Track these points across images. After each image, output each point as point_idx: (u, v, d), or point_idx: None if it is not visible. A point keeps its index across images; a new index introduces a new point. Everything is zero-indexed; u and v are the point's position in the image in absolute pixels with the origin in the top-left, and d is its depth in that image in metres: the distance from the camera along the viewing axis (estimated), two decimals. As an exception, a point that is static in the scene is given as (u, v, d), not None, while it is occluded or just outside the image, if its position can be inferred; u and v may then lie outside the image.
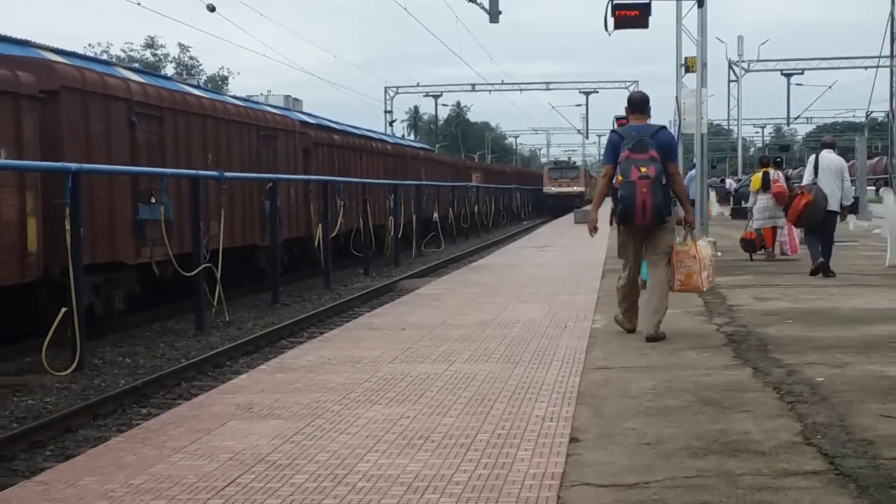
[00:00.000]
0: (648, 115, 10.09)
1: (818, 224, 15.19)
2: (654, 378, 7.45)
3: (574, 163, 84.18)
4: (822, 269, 15.01)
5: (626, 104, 10.33)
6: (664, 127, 10.47)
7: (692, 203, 14.68)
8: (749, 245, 18.88)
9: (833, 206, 15.08)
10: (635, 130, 9.64)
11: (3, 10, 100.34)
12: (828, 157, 15.70)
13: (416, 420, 6.27)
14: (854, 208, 30.86)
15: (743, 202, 28.75)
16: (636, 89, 15.85)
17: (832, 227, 15.52)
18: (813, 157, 16.40)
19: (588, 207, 43.64)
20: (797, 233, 18.48)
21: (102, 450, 6.03)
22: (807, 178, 15.66)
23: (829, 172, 15.23)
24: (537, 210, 71.28)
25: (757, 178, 19.26)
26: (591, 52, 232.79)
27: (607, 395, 6.92)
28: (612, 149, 9.71)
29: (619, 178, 9.38)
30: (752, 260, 18.60)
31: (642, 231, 9.59)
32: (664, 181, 9.38)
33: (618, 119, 51.65)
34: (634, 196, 9.20)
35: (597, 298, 12.90)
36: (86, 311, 11.93)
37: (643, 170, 9.21)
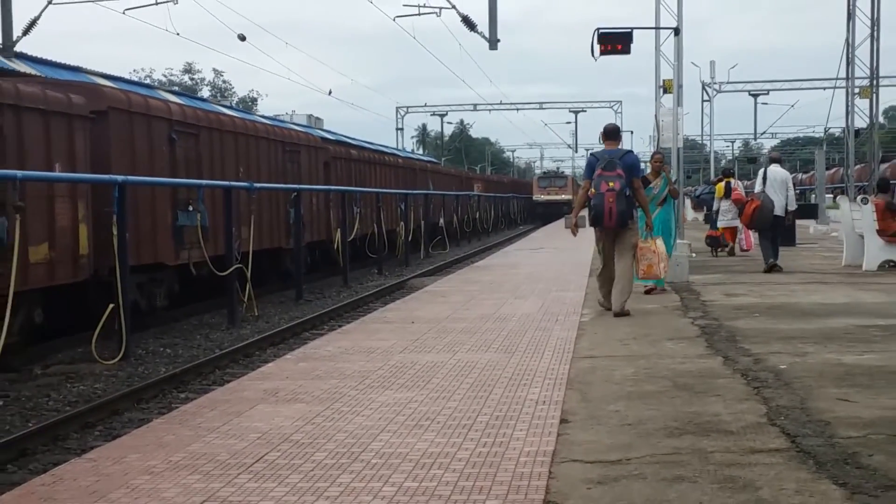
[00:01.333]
0: (619, 141, 11.71)
1: (767, 226, 16.00)
2: (635, 366, 7.47)
3: (562, 172, 78.35)
4: (774, 268, 15.70)
5: (602, 133, 11.80)
6: (630, 151, 12.37)
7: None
8: (713, 241, 20.47)
9: (779, 211, 15.85)
10: (607, 154, 10.97)
11: (56, 41, 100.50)
12: (774, 170, 16.65)
13: (423, 404, 6.29)
14: (813, 213, 30.92)
15: (706, 208, 29.36)
16: (612, 121, 16.50)
17: (779, 229, 16.36)
18: (762, 170, 17.38)
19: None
20: (752, 233, 19.31)
21: (145, 430, 6.05)
22: (757, 187, 16.63)
23: (776, 183, 16.11)
24: (532, 216, 68.85)
25: (721, 186, 20.98)
26: (580, 76, 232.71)
27: (593, 381, 6.94)
28: (589, 168, 11.08)
29: (592, 190, 10.74)
30: (715, 255, 19.81)
31: (612, 231, 10.79)
32: (628, 193, 10.61)
33: (606, 131, 51.83)
34: (603, 204, 10.51)
35: (584, 295, 12.91)
36: (131, 306, 11.96)
37: (611, 184, 10.48)
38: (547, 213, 61.32)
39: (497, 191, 59.26)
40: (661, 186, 12.89)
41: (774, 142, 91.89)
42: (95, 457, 5.32)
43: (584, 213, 11.71)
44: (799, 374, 6.90)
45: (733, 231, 20.64)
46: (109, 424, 8.53)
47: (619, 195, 10.51)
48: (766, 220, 15.81)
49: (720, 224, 20.74)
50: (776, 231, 16.28)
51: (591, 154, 12.07)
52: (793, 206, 16.91)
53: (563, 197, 64.52)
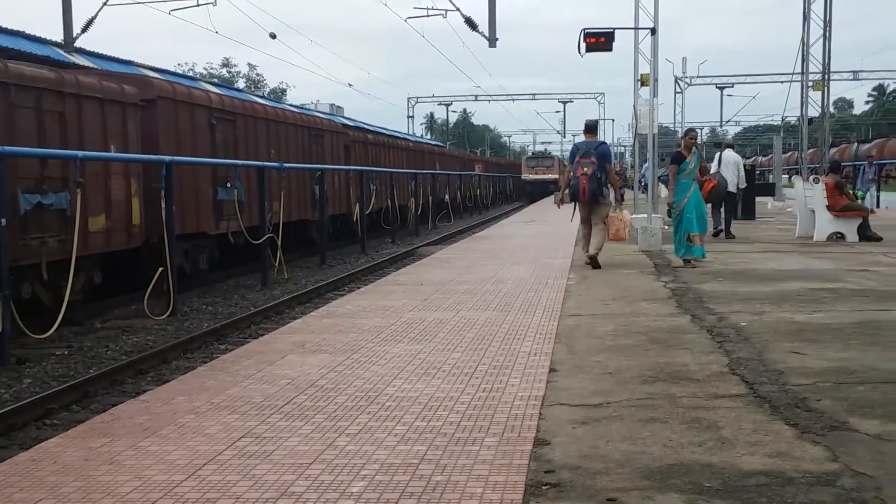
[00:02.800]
0: (596, 134, 12.99)
1: (720, 200, 16.95)
2: (614, 323, 7.48)
3: (549, 153, 73.03)
4: (720, 233, 16.87)
5: (584, 127, 12.93)
6: (604, 143, 13.51)
7: (644, 189, 17.93)
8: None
9: (731, 188, 17.27)
10: (585, 144, 12.15)
11: (110, 38, 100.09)
12: (728, 154, 18.01)
13: (430, 355, 6.31)
14: (771, 191, 30.83)
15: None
16: (592, 116, 17.10)
17: (732, 203, 17.72)
18: (718, 154, 18.25)
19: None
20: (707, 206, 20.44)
21: (190, 376, 6.09)
22: (713, 168, 17.27)
23: (729, 165, 17.50)
24: (521, 194, 66.05)
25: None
26: (567, 70, 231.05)
27: (578, 336, 6.95)
28: (572, 155, 12.37)
29: (571, 173, 12.02)
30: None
31: (587, 205, 11.96)
32: (599, 176, 11.69)
33: (586, 126, 51.31)
34: (578, 184, 11.74)
35: (571, 262, 12.89)
36: (177, 270, 12.01)
37: (585, 169, 11.66)
38: (535, 192, 57.51)
39: (495, 171, 59.09)
40: (695, 162, 12.02)
41: (738, 129, 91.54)
42: (148, 399, 5.37)
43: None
44: (757, 331, 6.91)
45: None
46: (160, 371, 8.61)
47: (591, 177, 11.63)
48: (720, 195, 16.60)
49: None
50: (728, 204, 17.35)
51: (574, 144, 13.22)
52: (743, 185, 18.48)
53: (550, 176, 60.55)
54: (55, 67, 12.46)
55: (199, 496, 3.54)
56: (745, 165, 20.39)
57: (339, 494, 3.53)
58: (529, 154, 75.76)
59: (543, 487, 3.57)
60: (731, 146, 19.70)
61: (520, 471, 3.76)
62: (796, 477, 3.62)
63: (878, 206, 25.53)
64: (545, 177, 60.26)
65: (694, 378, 5.40)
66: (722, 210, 17.20)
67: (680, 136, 20.31)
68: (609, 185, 12.09)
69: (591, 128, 12.83)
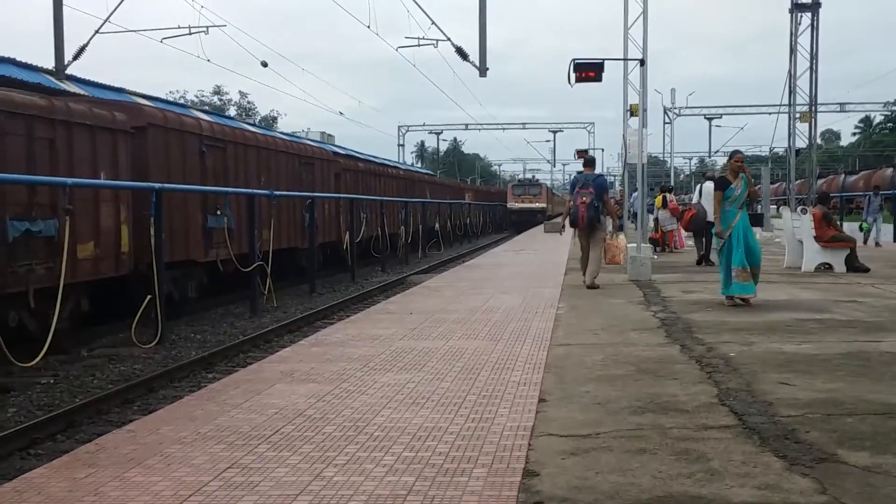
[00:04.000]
0: (594, 168, 14.27)
1: (701, 229, 17.55)
2: (603, 353, 7.46)
3: (536, 180, 68.01)
4: (703, 260, 17.40)
5: (583, 160, 14.52)
6: (601, 175, 14.86)
7: (636, 215, 18.50)
8: (654, 242, 21.27)
9: (710, 218, 16.65)
10: (584, 177, 13.49)
11: (102, 65, 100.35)
12: (708, 185, 17.97)
13: (420, 384, 6.29)
14: (759, 221, 30.99)
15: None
16: (590, 151, 18.06)
17: (710, 232, 17.01)
18: (699, 185, 19.00)
19: (556, 220, 43.48)
20: (685, 235, 22.14)
21: (177, 406, 6.04)
22: (695, 199, 18.47)
23: (708, 196, 17.12)
24: (507, 223, 61.45)
25: (659, 199, 22.35)
26: (557, 100, 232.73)
27: (567, 365, 6.93)
28: (572, 186, 13.63)
29: (572, 202, 13.28)
30: (656, 252, 20.12)
31: (585, 231, 13.21)
32: (597, 205, 12.94)
33: (578, 151, 51.75)
34: (577, 212, 13.02)
35: (560, 291, 12.90)
36: (166, 297, 11.97)
37: (584, 199, 12.92)
38: (521, 221, 54.06)
39: (485, 200, 58.97)
40: (742, 188, 10.59)
41: (725, 159, 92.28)
42: (134, 428, 5.33)
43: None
44: (746, 361, 6.90)
45: (671, 234, 22.28)
46: (146, 400, 8.55)
47: (589, 206, 12.91)
48: (700, 224, 17.53)
49: (666, 228, 22.09)
50: (708, 233, 17.29)
51: (573, 176, 14.99)
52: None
53: (538, 205, 57.37)
54: (46, 94, 12.47)
55: (184, 528, 3.50)
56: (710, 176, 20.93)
57: (327, 526, 3.50)
58: (515, 181, 71.52)
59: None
60: (711, 178, 20.42)
61: (509, 502, 3.73)
62: (786, 509, 3.61)
63: (877, 238, 24.40)
64: (532, 206, 56.92)
65: (683, 409, 5.39)
66: (703, 239, 17.84)
67: (724, 160, 20.76)
68: (606, 214, 13.58)
69: (589, 162, 14.41)
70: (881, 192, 27.52)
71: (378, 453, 4.52)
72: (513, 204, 58.54)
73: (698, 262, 17.39)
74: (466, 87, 79.24)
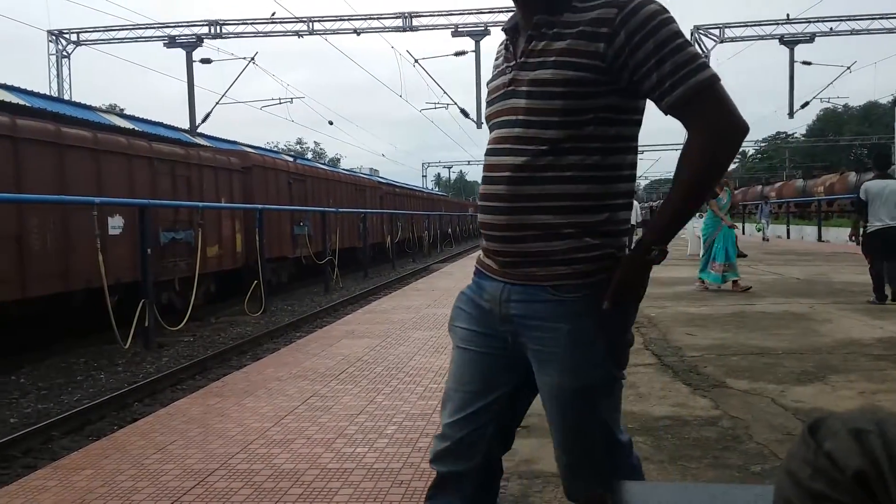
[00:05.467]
0: None
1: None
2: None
3: None
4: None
5: None
6: None
7: None
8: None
9: (633, 221, 18.31)
10: None
11: (221, 126, 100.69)
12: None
13: (440, 338, 6.28)
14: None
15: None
16: None
17: (632, 233, 18.31)
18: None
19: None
20: None
21: (276, 355, 6.06)
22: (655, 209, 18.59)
23: (633, 209, 18.45)
24: None
25: None
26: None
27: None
28: None
29: None
30: None
31: None
32: None
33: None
34: None
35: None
36: (267, 282, 12.01)
37: None
38: None
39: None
40: (727, 198, 9.72)
41: (646, 181, 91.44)
42: (247, 370, 5.35)
43: None
44: (662, 319, 6.88)
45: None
46: (255, 351, 8.58)
47: None
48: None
49: None
50: (630, 235, 18.42)
51: None
52: (638, 220, 18.46)
53: None
54: (184, 146, 12.54)
55: (282, 437, 3.51)
56: (651, 206, 20.95)
57: (378, 435, 3.50)
58: None
59: (518, 428, 3.53)
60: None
61: (501, 417, 3.73)
62: (691, 420, 3.59)
63: (765, 235, 23.72)
64: None
65: (620, 352, 5.37)
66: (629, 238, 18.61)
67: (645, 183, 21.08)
68: None
69: None
70: (770, 202, 28.45)
71: (412, 385, 4.52)
72: None
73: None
74: (468, 135, 79.20)
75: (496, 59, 1.59)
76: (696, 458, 3.03)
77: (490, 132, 1.53)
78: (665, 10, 1.37)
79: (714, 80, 1.34)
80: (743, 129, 1.34)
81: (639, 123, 1.49)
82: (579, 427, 1.49)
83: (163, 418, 3.98)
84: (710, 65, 1.37)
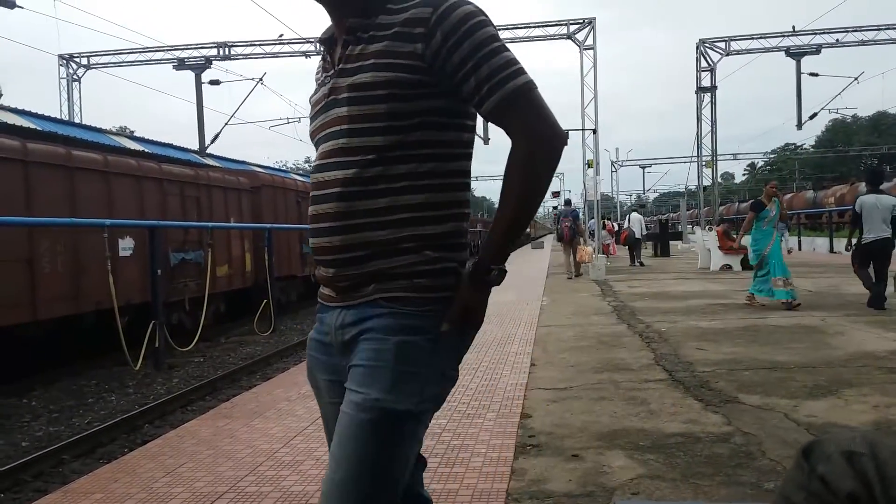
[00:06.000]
0: (570, 206, 16.14)
1: (632, 243, 18.63)
2: (574, 331, 7.42)
3: None
4: (633, 261, 18.24)
5: (564, 202, 16.79)
6: (575, 209, 16.45)
7: (592, 234, 19.61)
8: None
9: (638, 236, 18.97)
10: (565, 211, 15.53)
11: (230, 147, 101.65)
12: (634, 215, 19.99)
13: (449, 355, 6.26)
14: (680, 237, 30.67)
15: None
16: (564, 194, 20.09)
17: (639, 244, 19.02)
18: (628, 215, 20.91)
19: (539, 240, 42.72)
20: (620, 248, 23.63)
21: (286, 374, 6.06)
22: (626, 224, 19.69)
23: (635, 222, 19.24)
24: None
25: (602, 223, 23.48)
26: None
27: (549, 340, 6.90)
28: (558, 217, 16.25)
29: (559, 226, 15.27)
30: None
31: (567, 243, 15.03)
32: (573, 227, 14.89)
33: (553, 192, 51.56)
34: (562, 232, 15.02)
35: (543, 289, 12.84)
36: (276, 301, 12.04)
37: (567, 223, 14.94)
38: None
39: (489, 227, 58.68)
40: (776, 210, 8.74)
41: (656, 195, 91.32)
42: (256, 391, 5.35)
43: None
44: (673, 334, 6.84)
45: (607, 246, 22.43)
46: (265, 371, 8.58)
47: (570, 228, 14.90)
48: (631, 241, 18.70)
49: (604, 242, 22.39)
50: (637, 246, 18.79)
51: (559, 209, 18.14)
52: (644, 233, 20.92)
53: None
54: (194, 166, 12.66)
55: (291, 459, 3.51)
56: (660, 220, 21.21)
57: (387, 455, 3.48)
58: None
59: (528, 447, 3.52)
60: (635, 210, 21.94)
61: (511, 436, 3.71)
62: (703, 437, 3.56)
63: (787, 247, 22.13)
64: None
65: (630, 368, 5.34)
66: (633, 250, 18.85)
67: (655, 196, 21.00)
68: (578, 233, 15.59)
69: (568, 202, 16.67)
70: (788, 213, 26.07)
71: (421, 404, 4.50)
72: None
73: (631, 264, 18.20)
74: (475, 150, 79.18)
75: (316, 74, 1.49)
76: (709, 476, 3.00)
77: (316, 149, 1.43)
78: (481, 12, 1.31)
79: (531, 86, 1.29)
80: (562, 136, 1.30)
81: (473, 129, 1.41)
82: (357, 456, 1.25)
83: (172, 440, 3.99)
84: (527, 72, 1.32)
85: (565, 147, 1.32)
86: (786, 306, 8.31)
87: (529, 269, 19.84)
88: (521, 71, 1.30)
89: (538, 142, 1.29)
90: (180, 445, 3.84)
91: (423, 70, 1.29)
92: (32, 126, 11.48)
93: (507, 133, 1.31)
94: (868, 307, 7.98)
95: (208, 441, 3.90)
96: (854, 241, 8.31)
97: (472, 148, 1.44)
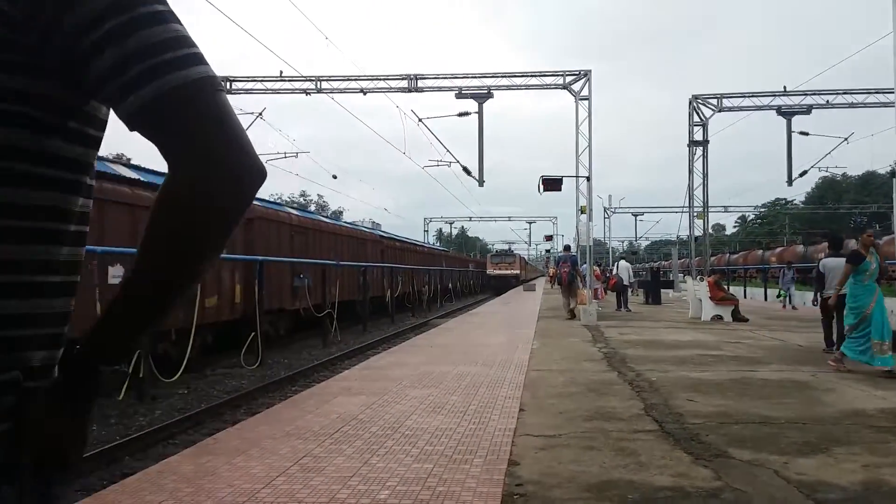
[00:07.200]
0: (569, 251, 17.44)
1: (618, 290, 19.56)
2: (564, 376, 7.37)
3: (511, 251, 56.41)
4: (620, 307, 18.96)
5: (564, 247, 18.43)
6: (574, 255, 17.37)
7: (584, 278, 19.32)
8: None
9: (626, 283, 19.86)
10: (564, 256, 16.57)
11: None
12: (622, 262, 21.04)
13: (437, 397, 6.20)
14: (671, 285, 30.77)
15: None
16: (557, 238, 20.96)
17: (626, 292, 19.73)
18: (616, 263, 22.64)
19: (531, 283, 42.84)
20: (608, 294, 24.22)
21: (270, 411, 5.97)
22: (615, 271, 20.82)
23: (622, 269, 20.22)
24: (486, 287, 49.28)
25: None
26: (532, 200, 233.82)
27: (539, 385, 6.84)
28: (557, 261, 17.59)
29: (558, 270, 16.62)
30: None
31: (566, 286, 16.09)
32: (572, 272, 15.83)
33: (546, 236, 51.25)
34: (562, 276, 16.08)
35: (534, 332, 12.79)
36: (264, 334, 11.92)
37: (565, 268, 15.97)
38: (499, 285, 45.25)
39: (482, 268, 58.49)
40: (876, 262, 7.64)
41: (648, 242, 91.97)
42: (240, 427, 5.27)
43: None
44: (664, 384, 6.81)
45: (595, 290, 22.01)
46: (249, 405, 8.46)
47: (569, 273, 15.94)
48: (619, 287, 19.63)
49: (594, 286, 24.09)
50: (625, 293, 19.51)
51: (558, 255, 19.63)
52: (632, 280, 22.54)
53: (512, 272, 47.76)
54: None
55: (273, 500, 3.43)
56: (651, 267, 21.95)
57: (371, 500, 3.42)
58: (494, 252, 59.10)
59: (515, 497, 3.46)
60: (623, 257, 23.23)
61: (498, 484, 3.65)
62: (692, 492, 3.51)
63: (792, 303, 20.70)
64: (507, 272, 47.63)
65: (620, 417, 5.30)
66: (620, 296, 19.60)
67: (647, 243, 21.94)
68: (577, 276, 16.40)
69: (567, 248, 17.98)
70: (793, 266, 23.21)
71: (408, 447, 4.45)
72: (491, 270, 48.62)
73: (617, 309, 18.96)
74: (470, 192, 79.92)
75: None
76: (698, 533, 2.95)
77: None
78: None
79: (213, 83, 0.83)
80: (259, 169, 0.84)
81: (97, 141, 0.90)
82: None
83: (153, 476, 3.90)
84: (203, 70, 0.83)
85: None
86: (887, 375, 7.21)
87: (521, 311, 19.81)
88: (200, 58, 0.83)
89: (226, 168, 0.81)
90: (160, 481, 3.76)
91: (5, 39, 0.78)
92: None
93: (165, 151, 0.82)
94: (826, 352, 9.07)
95: (189, 478, 3.81)
96: (819, 296, 9.81)
97: (93, 171, 0.91)
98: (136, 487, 3.67)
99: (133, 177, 13.15)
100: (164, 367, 9.62)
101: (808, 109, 24.32)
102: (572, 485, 3.63)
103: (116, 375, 0.88)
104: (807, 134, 24.58)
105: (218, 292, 11.69)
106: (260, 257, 12.34)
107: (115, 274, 9.02)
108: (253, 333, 11.43)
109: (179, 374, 9.30)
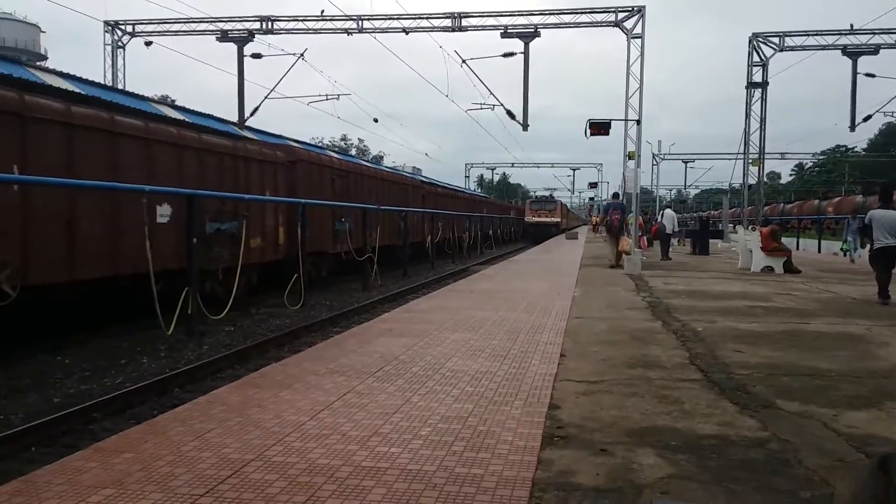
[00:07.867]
0: (618, 198, 16.90)
1: (661, 238, 19.58)
2: (607, 324, 7.33)
3: (552, 197, 52.39)
4: (665, 258, 18.61)
5: (612, 195, 17.69)
6: (622, 202, 17.01)
7: (630, 226, 19.26)
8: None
9: (668, 231, 19.79)
10: (613, 204, 16.49)
11: (268, 120, 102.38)
12: (667, 211, 21.15)
13: (477, 341, 6.26)
14: (721, 236, 30.04)
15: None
16: (615, 191, 19.60)
17: (667, 241, 19.71)
18: (661, 212, 22.47)
19: (573, 230, 42.38)
20: (651, 245, 22.78)
21: (314, 349, 6.12)
22: (659, 219, 20.83)
23: (667, 218, 20.26)
24: (525, 235, 46.11)
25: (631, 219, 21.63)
26: (577, 146, 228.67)
27: (581, 332, 6.83)
28: (606, 209, 16.92)
29: (607, 217, 16.27)
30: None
31: (614, 234, 16.00)
32: (621, 219, 15.82)
33: (590, 183, 50.21)
34: (612, 223, 15.96)
35: (576, 279, 12.72)
36: (307, 276, 12.16)
37: (615, 216, 15.98)
38: (537, 233, 41.47)
39: (522, 215, 57.92)
40: None
41: (697, 191, 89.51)
42: (285, 363, 5.41)
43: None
44: (710, 334, 6.71)
45: (641, 239, 21.97)
46: (293, 344, 8.71)
47: (619, 220, 15.88)
48: (661, 236, 19.66)
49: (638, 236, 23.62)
50: (666, 241, 19.46)
51: (606, 202, 19.56)
52: (676, 229, 22.51)
53: (553, 219, 44.00)
54: (232, 138, 12.80)
55: (318, 432, 3.54)
56: (700, 217, 21.48)
57: (413, 436, 3.50)
58: (533, 197, 54.89)
59: (555, 439, 3.49)
60: (669, 206, 23.98)
61: (539, 426, 3.69)
62: (737, 440, 3.48)
63: (855, 255, 19.47)
64: (548, 220, 43.79)
65: (664, 366, 5.26)
66: (663, 245, 19.56)
67: (696, 192, 21.42)
68: (625, 225, 16.44)
69: (616, 195, 17.32)
70: (859, 216, 20.99)
71: (448, 387, 4.51)
72: (530, 217, 44.67)
73: (662, 259, 18.61)
74: (513, 137, 79.08)
75: None
76: (743, 481, 2.94)
77: None
78: None
79: None
80: None
81: None
82: None
83: (202, 405, 4.06)
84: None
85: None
86: None
87: (563, 259, 19.69)
88: None
89: None
90: (210, 411, 3.91)
91: None
92: (77, 90, 11.72)
93: None
94: (878, 304, 9.11)
95: (237, 409, 3.96)
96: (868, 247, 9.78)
97: None
98: (186, 416, 3.83)
99: (178, 118, 13.31)
100: (212, 304, 9.93)
101: (875, 49, 22.90)
102: (613, 429, 3.64)
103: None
104: (873, 76, 23.19)
105: (262, 234, 11.92)
106: (303, 200, 12.47)
107: (163, 213, 9.25)
108: (296, 275, 11.66)
109: (226, 311, 9.58)
